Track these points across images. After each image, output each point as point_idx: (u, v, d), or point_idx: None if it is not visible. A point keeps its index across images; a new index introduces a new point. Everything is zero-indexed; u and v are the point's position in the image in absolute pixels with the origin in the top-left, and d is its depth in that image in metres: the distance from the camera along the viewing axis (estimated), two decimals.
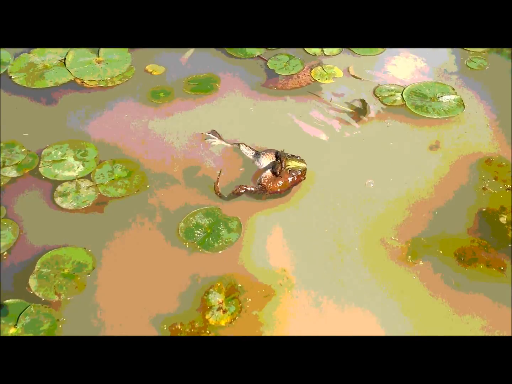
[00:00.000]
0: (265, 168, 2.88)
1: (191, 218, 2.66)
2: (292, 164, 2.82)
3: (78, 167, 2.87)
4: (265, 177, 2.81)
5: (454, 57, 3.75)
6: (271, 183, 2.77)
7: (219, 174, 2.78)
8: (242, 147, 3.00)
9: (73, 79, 3.45)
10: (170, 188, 2.82)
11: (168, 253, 2.54)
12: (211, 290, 2.39)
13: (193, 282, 2.43)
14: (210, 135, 3.10)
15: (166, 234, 2.61)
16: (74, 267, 2.44)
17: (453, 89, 3.45)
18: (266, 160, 2.90)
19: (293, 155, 2.89)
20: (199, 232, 2.61)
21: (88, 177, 2.84)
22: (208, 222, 2.65)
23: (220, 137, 3.08)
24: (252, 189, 2.77)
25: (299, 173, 2.82)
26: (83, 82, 3.44)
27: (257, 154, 2.94)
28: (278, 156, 2.85)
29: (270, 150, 2.93)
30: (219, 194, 2.76)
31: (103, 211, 2.70)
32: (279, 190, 2.79)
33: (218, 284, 2.40)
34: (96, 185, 2.79)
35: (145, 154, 3.01)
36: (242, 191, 2.75)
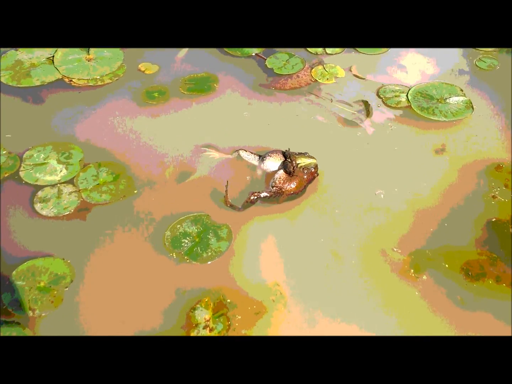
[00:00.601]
0: (276, 170, 2.72)
1: (178, 226, 2.50)
2: (302, 161, 2.67)
3: (61, 171, 2.71)
4: (279, 178, 2.64)
5: (463, 56, 3.57)
6: (287, 183, 2.61)
7: (226, 186, 2.59)
8: (243, 153, 2.82)
9: (61, 77, 3.30)
10: (159, 195, 2.66)
11: (153, 264, 2.38)
12: (198, 306, 2.22)
13: (179, 296, 2.27)
14: (207, 149, 2.91)
15: (152, 244, 2.45)
16: (51, 279, 2.27)
17: (462, 90, 3.27)
18: (273, 162, 2.73)
19: (301, 153, 2.73)
20: (186, 241, 2.44)
21: (71, 181, 2.68)
22: (196, 230, 2.49)
23: (217, 150, 2.91)
24: (266, 194, 2.59)
25: (312, 170, 2.67)
26: (71, 80, 3.28)
27: (262, 157, 2.77)
28: (287, 155, 2.68)
29: (275, 151, 2.76)
30: (231, 205, 2.58)
31: (86, 218, 2.54)
32: (295, 190, 2.63)
33: (206, 299, 2.24)
34: (79, 190, 2.63)
35: (134, 158, 2.86)
36: (255, 197, 2.57)
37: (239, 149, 2.83)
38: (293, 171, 2.63)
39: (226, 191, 2.58)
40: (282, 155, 2.74)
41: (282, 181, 2.63)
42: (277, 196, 2.62)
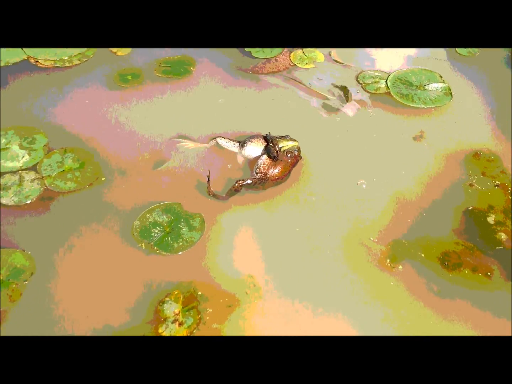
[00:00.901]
0: (258, 156, 2.62)
1: (148, 215, 2.39)
2: (284, 144, 2.59)
3: (23, 157, 2.58)
4: (263, 164, 2.55)
5: None
6: (272, 168, 2.53)
7: (208, 176, 2.49)
8: (221, 141, 2.70)
9: (26, 58, 3.14)
10: (128, 183, 2.55)
11: (121, 256, 2.27)
12: (167, 299, 2.12)
13: (148, 289, 2.17)
14: (181, 139, 2.78)
15: (120, 234, 2.34)
16: (10, 272, 2.15)
17: (441, 77, 3.20)
18: (255, 147, 2.63)
19: (282, 136, 2.65)
20: (156, 231, 2.34)
21: (34, 168, 2.55)
22: (167, 219, 2.39)
23: (191, 140, 2.78)
24: (250, 181, 2.50)
25: (296, 153, 2.60)
26: (37, 61, 3.13)
27: (242, 143, 2.66)
28: (269, 139, 2.59)
29: (255, 136, 2.66)
30: (214, 195, 2.48)
31: (49, 207, 2.42)
32: (280, 175, 2.55)
33: (175, 292, 2.14)
34: (43, 177, 2.51)
35: (104, 144, 2.73)
36: (240, 185, 2.48)
37: (217, 137, 2.72)
38: (277, 156, 2.54)
39: (208, 181, 2.48)
40: (263, 140, 2.64)
41: (267, 166, 2.54)
42: (263, 182, 2.53)
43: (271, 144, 2.56)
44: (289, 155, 2.58)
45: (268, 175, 2.54)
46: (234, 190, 2.49)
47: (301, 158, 2.65)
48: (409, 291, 2.20)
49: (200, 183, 2.53)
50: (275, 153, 2.54)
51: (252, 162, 2.64)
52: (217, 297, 2.15)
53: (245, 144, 2.65)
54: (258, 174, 2.54)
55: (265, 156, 2.58)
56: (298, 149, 2.63)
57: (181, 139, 2.77)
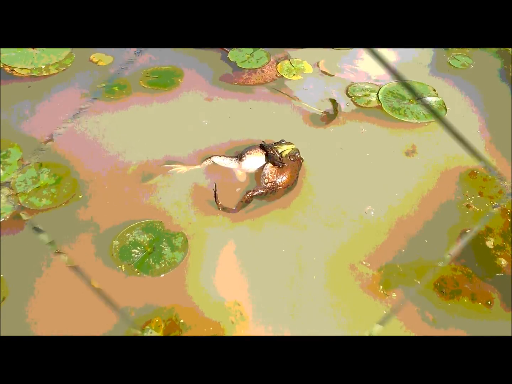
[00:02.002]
0: (261, 166, 2.53)
1: (128, 234, 2.25)
2: (283, 149, 2.51)
3: None
4: (270, 172, 2.46)
5: (436, 54, 3.41)
6: (280, 176, 2.44)
7: (215, 189, 2.39)
8: (217, 159, 2.57)
9: (1, 66, 3.00)
10: (106, 200, 2.42)
11: (99, 278, 2.13)
12: (147, 327, 1.98)
13: (126, 315, 2.03)
14: (171, 165, 2.62)
15: (98, 255, 2.20)
16: None
17: (434, 90, 3.11)
18: (254, 158, 2.53)
19: (277, 142, 2.57)
20: (137, 251, 2.20)
21: (7, 184, 2.42)
22: (148, 238, 2.26)
23: (182, 163, 2.63)
24: (261, 191, 2.41)
25: (297, 155, 2.52)
26: (13, 70, 2.98)
27: (239, 157, 2.55)
28: (267, 147, 2.50)
29: (251, 147, 2.57)
30: (224, 208, 2.38)
31: (23, 226, 2.27)
32: (289, 181, 2.47)
33: (156, 320, 2.00)
34: (17, 194, 2.37)
35: (81, 158, 2.60)
36: (250, 196, 2.38)
37: (212, 156, 2.59)
38: (282, 162, 2.45)
39: (215, 194, 2.38)
40: (261, 149, 2.54)
41: (275, 174, 2.45)
42: (273, 191, 2.44)
43: (271, 152, 2.47)
44: (292, 159, 2.50)
45: (278, 183, 2.44)
46: (245, 201, 2.39)
47: (302, 160, 2.56)
48: (404, 322, 2.06)
49: (185, 200, 2.41)
50: (279, 160, 2.45)
51: (257, 175, 2.55)
52: (201, 326, 2.02)
53: (244, 157, 2.54)
54: (268, 184, 2.44)
55: (269, 165, 2.49)
56: (298, 151, 2.54)
57: (172, 165, 2.62)
